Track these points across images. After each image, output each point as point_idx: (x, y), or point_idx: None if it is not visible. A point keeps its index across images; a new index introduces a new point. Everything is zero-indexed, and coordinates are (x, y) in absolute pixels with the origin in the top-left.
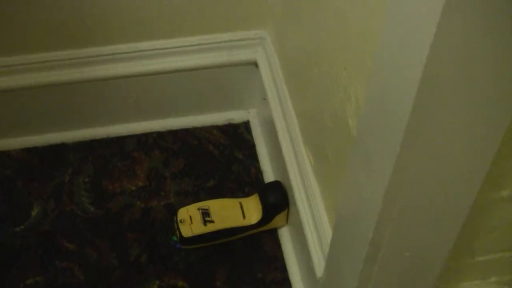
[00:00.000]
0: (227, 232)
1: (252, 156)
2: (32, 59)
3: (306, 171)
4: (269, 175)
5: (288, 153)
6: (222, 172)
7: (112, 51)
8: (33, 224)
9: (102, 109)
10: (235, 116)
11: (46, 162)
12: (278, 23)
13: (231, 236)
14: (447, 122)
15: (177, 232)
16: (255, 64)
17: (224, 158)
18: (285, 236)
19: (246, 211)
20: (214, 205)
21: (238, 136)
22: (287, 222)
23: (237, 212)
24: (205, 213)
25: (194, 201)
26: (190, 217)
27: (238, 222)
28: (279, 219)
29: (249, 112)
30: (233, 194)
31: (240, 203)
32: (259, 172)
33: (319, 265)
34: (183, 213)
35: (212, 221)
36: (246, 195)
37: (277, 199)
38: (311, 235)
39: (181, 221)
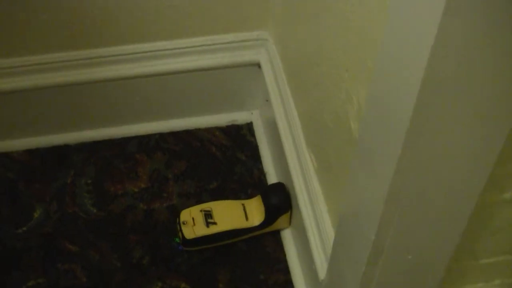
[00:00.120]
0: (229, 234)
1: (255, 157)
2: (34, 61)
3: (309, 173)
4: (272, 177)
5: (290, 155)
6: (225, 174)
7: (114, 53)
8: (35, 226)
9: (104, 110)
10: (238, 117)
11: (48, 163)
12: (280, 25)
13: (233, 238)
14: (448, 124)
15: (180, 234)
16: (258, 65)
17: (227, 159)
18: (288, 238)
19: (248, 212)
20: (217, 207)
21: (240, 138)
22: (290, 224)
23: (240, 213)
24: (208, 215)
25: (196, 203)
26: (193, 219)
27: (241, 224)
28: (282, 221)
29: (252, 113)
30: (235, 195)
31: (243, 204)
32: (262, 173)
33: (322, 267)
34: (185, 215)
35: (214, 223)
36: (249, 196)
37: (280, 201)
38: (314, 237)
39: (183, 223)
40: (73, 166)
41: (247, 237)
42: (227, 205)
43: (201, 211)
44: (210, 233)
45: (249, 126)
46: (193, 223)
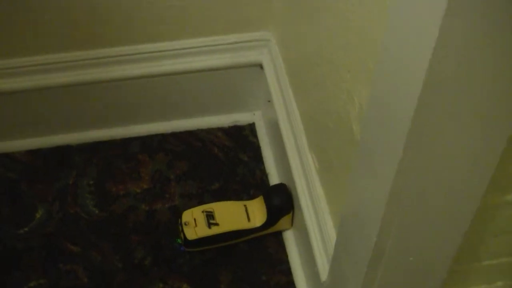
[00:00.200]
0: (231, 234)
1: (257, 158)
2: (36, 61)
3: (311, 175)
4: (274, 178)
5: (292, 156)
6: (227, 175)
7: (116, 53)
8: (37, 226)
9: (106, 111)
10: (240, 118)
11: (51, 164)
12: (282, 25)
13: (235, 239)
14: (449, 125)
15: (182, 235)
16: (260, 66)
17: (229, 160)
18: (290, 239)
19: (250, 213)
20: (219, 208)
21: (243, 138)
22: (292, 225)
23: (242, 214)
24: (210, 216)
25: (198, 204)
26: (195, 219)
27: (243, 224)
28: (284, 222)
29: (254, 114)
30: (238, 196)
31: (245, 205)
32: (264, 174)
33: (324, 269)
34: (187, 215)
35: (216, 224)
36: (251, 197)
37: (282, 202)
38: (316, 239)
39: (185, 224)
40: (75, 167)
41: (249, 238)
42: (229, 206)
43: (203, 212)
44: (212, 234)
45: (251, 127)
46: (195, 224)
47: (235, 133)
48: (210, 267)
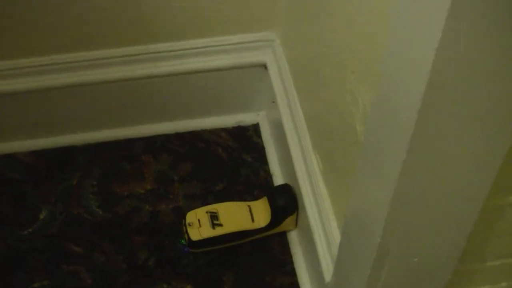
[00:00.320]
0: (235, 235)
1: (261, 159)
2: (40, 62)
3: (315, 175)
4: (278, 178)
5: (297, 157)
6: (231, 175)
7: (120, 54)
8: (41, 228)
9: (110, 111)
10: (244, 118)
11: (54, 165)
12: (286, 26)
13: (239, 240)
14: (453, 126)
15: (186, 236)
16: (264, 66)
17: (233, 161)
18: (294, 240)
19: (255, 214)
20: (223, 208)
21: (247, 139)
22: (296, 226)
23: (246, 215)
24: (214, 217)
25: (202, 205)
26: (199, 220)
27: (247, 225)
28: (288, 222)
29: (258, 115)
30: (241, 197)
31: (249, 206)
32: (268, 175)
33: (328, 270)
34: (191, 216)
35: (220, 225)
36: (255, 198)
37: (286, 202)
38: (320, 240)
39: (189, 225)
40: (79, 168)
41: (253, 239)
42: (233, 207)
43: (207, 212)
44: (216, 235)
45: (255, 127)
46: (199, 224)
47: (239, 134)
48: (214, 268)
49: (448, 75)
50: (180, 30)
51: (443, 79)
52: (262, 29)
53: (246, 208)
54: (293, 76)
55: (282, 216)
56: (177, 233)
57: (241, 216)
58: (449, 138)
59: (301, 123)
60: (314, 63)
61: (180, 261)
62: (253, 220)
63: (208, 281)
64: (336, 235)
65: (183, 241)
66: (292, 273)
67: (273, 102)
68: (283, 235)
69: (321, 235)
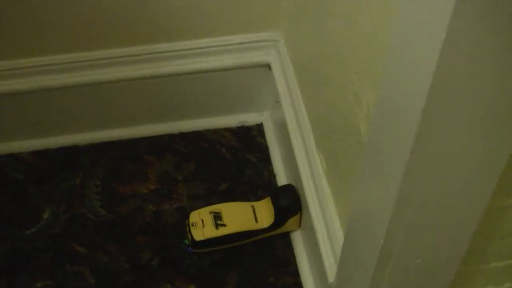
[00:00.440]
0: (239, 235)
1: (265, 159)
2: (42, 62)
3: (319, 176)
4: (282, 178)
5: (300, 157)
6: (235, 175)
7: (123, 54)
8: (44, 228)
9: (113, 111)
10: (248, 118)
11: (57, 165)
12: (290, 26)
13: (243, 240)
14: (457, 126)
15: (189, 236)
16: (268, 66)
17: (237, 161)
18: (298, 240)
19: (258, 214)
20: (226, 209)
21: (250, 139)
22: (299, 226)
23: (249, 215)
24: (217, 217)
25: (206, 205)
26: (202, 220)
27: (250, 225)
28: (291, 223)
29: (262, 114)
30: (245, 197)
31: (253, 206)
32: (272, 175)
33: (331, 270)
34: (195, 216)
35: (224, 225)
36: (259, 198)
37: (289, 202)
38: (323, 240)
39: (193, 225)
40: (82, 167)
41: (256, 239)
42: (237, 207)
43: (210, 212)
44: (219, 235)
45: (259, 127)
46: (202, 224)
47: (243, 134)
48: (218, 268)
49: (451, 76)
50: (184, 30)
51: (446, 79)
52: (266, 29)
53: (249, 208)
54: (297, 76)
55: (286, 216)
56: (181, 233)
57: (244, 216)
58: (452, 139)
59: (305, 123)
60: (318, 63)
61: (184, 261)
62: (256, 220)
63: (211, 282)
64: (339, 236)
65: (186, 241)
66: (296, 274)
67: (277, 102)
68: (286, 236)
69: (325, 236)
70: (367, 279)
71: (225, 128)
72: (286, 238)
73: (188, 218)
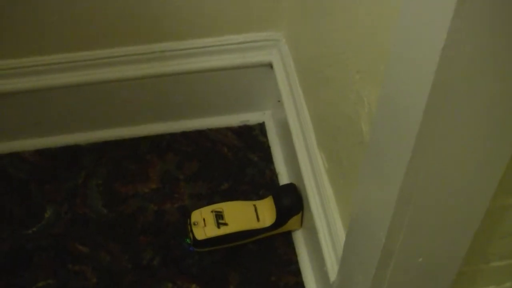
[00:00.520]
0: (240, 234)
1: (267, 158)
2: (45, 61)
3: (320, 175)
4: (284, 177)
5: (302, 157)
6: (236, 175)
7: (125, 53)
8: (46, 227)
9: (115, 110)
10: (250, 117)
11: (60, 164)
12: (291, 25)
13: (245, 239)
14: (458, 126)
15: (191, 235)
16: (270, 66)
17: (239, 160)
18: (299, 240)
19: (260, 213)
20: (228, 208)
21: (252, 138)
22: (301, 225)
23: (251, 214)
24: (219, 216)
25: (208, 204)
26: (204, 219)
27: (252, 224)
28: (293, 222)
29: (264, 114)
30: (247, 196)
31: (254, 205)
32: (274, 174)
33: (333, 269)
34: (196, 215)
35: (225, 224)
36: (261, 197)
37: (291, 202)
38: (325, 239)
39: (194, 224)
40: (84, 167)
41: (258, 238)
42: (238, 206)
43: (212, 211)
44: (221, 234)
45: (261, 127)
46: (204, 224)
47: (244, 133)
48: (219, 267)
49: (453, 75)
50: (186, 29)
51: (448, 79)
52: (268, 29)
53: (251, 207)
54: (299, 75)
55: (287, 215)
56: (183, 232)
57: (246, 215)
58: (453, 138)
59: (306, 122)
60: (319, 63)
61: (185, 261)
62: (258, 219)
63: (213, 281)
64: (341, 235)
65: (188, 241)
66: (297, 273)
67: (279, 101)
68: (288, 235)
69: (326, 235)
70: (369, 278)
71: (227, 127)
72: (287, 238)
73: (189, 217)
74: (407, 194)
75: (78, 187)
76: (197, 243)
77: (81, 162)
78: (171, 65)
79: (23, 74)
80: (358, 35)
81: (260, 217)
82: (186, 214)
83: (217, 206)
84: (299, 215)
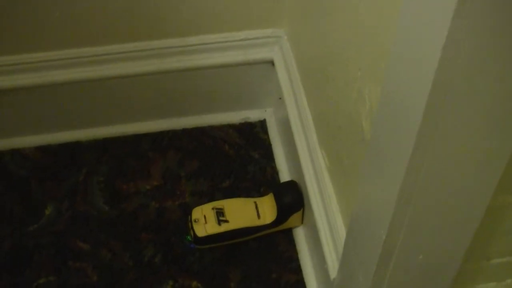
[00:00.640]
0: (241, 232)
1: (268, 155)
2: (46, 57)
3: (321, 172)
4: (285, 175)
5: (303, 154)
6: (238, 172)
7: (127, 50)
8: (47, 224)
9: (117, 107)
10: (251, 115)
11: (61, 161)
12: (293, 22)
13: (245, 236)
14: (459, 124)
15: (191, 232)
16: (271, 63)
17: (240, 157)
18: (300, 237)
19: (261, 211)
20: (229, 205)
21: (254, 135)
22: (302, 223)
23: (252, 212)
24: (220, 213)
25: (209, 201)
26: (205, 216)
27: (253, 222)
28: (294, 219)
29: (265, 111)
30: (248, 194)
31: (255, 202)
32: (275, 171)
33: (333, 267)
34: (197, 212)
35: (226, 221)
36: (262, 194)
37: (292, 199)
38: (325, 236)
39: (195, 221)
40: (85, 164)
41: (259, 236)
42: (239, 203)
43: (213, 209)
44: (221, 231)
45: (262, 124)
46: (204, 221)
47: (246, 130)
48: (220, 264)
49: (453, 75)
50: (187, 26)
51: (448, 78)
52: (270, 26)
53: (252, 204)
54: (300, 72)
55: (288, 212)
56: (184, 230)
57: (247, 212)
58: (454, 137)
59: (308, 120)
60: (321, 60)
61: (187, 258)
62: (259, 216)
63: (214, 278)
64: (341, 232)
65: (189, 238)
66: (298, 270)
67: (280, 98)
68: (289, 232)
69: (327, 232)
70: (369, 276)
71: (228, 125)
72: (288, 235)
73: (190, 214)
74: (407, 192)
75: (79, 184)
76: (198, 240)
77: (81, 159)
78: (173, 62)
79: (23, 71)
80: (359, 33)
81: (261, 214)
82: (187, 212)
83: (218, 203)
84: (300, 212)
